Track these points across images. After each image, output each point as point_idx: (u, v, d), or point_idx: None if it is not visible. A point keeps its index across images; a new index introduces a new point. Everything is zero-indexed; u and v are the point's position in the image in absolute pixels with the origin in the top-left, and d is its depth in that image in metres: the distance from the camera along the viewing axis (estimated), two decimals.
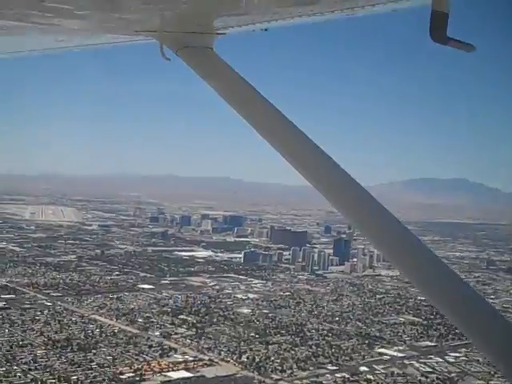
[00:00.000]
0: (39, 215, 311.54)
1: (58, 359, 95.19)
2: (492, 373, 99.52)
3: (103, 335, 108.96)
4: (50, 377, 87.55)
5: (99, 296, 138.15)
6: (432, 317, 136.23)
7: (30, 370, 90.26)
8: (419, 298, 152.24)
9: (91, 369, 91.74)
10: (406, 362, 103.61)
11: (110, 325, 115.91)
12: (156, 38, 6.63)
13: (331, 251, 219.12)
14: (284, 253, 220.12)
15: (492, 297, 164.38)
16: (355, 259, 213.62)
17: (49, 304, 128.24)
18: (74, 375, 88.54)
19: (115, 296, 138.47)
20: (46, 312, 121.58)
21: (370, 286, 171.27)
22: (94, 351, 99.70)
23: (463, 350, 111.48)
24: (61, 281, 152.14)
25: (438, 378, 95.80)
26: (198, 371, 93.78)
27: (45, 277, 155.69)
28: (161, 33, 6.48)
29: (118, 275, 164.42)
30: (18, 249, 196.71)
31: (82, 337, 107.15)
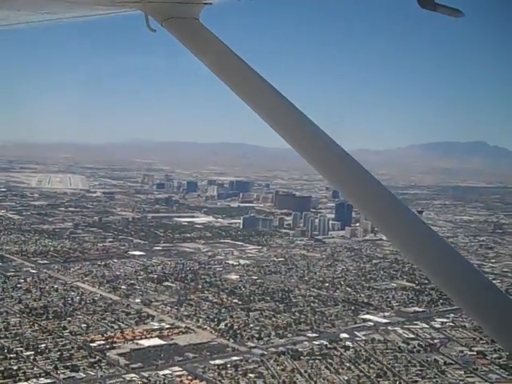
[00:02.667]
0: (46, 183, 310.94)
1: (30, 327, 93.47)
2: (477, 339, 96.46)
3: (82, 303, 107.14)
4: (19, 345, 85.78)
5: (87, 263, 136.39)
6: (426, 282, 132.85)
7: None
8: None
9: (62, 337, 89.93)
10: (390, 328, 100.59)
11: (91, 292, 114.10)
12: (140, 8, 6.57)
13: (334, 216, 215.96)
14: (286, 218, 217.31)
15: (493, 261, 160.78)
16: (358, 224, 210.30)
17: (34, 271, 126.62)
18: (43, 343, 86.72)
19: (103, 263, 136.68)
20: (29, 279, 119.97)
21: (368, 251, 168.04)
22: (69, 319, 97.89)
23: (451, 315, 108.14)
24: (51, 248, 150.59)
25: (419, 345, 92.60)
26: (172, 339, 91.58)
27: (36, 244, 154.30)
28: (145, 3, 6.48)
29: (111, 242, 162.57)
30: (16, 216, 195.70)
31: (61, 304, 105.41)
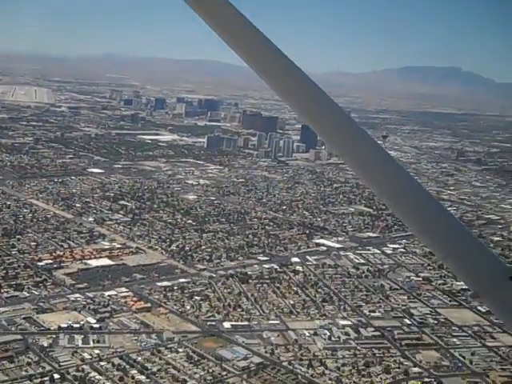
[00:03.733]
0: (10, 95, 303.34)
1: None
2: (425, 265, 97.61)
3: (34, 220, 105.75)
4: None
5: (44, 180, 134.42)
6: (383, 208, 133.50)
7: None
8: None
9: (9, 255, 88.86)
10: (342, 253, 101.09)
11: (44, 209, 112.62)
12: None
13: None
14: (252, 138, 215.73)
15: (452, 188, 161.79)
16: (323, 147, 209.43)
17: None
18: None
19: (60, 180, 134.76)
20: None
21: (330, 175, 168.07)
22: (18, 237, 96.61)
23: (404, 241, 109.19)
24: (8, 163, 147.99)
25: (368, 270, 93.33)
26: (122, 259, 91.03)
27: None
28: None
29: (71, 158, 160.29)
30: None
31: (11, 222, 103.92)
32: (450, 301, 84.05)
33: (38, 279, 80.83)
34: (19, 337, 65.47)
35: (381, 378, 62.07)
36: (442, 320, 77.42)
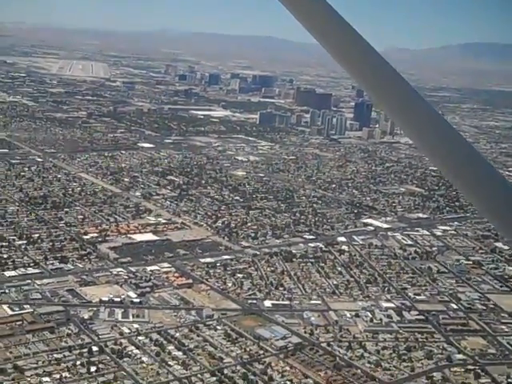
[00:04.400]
0: (67, 70, 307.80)
1: (27, 216, 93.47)
2: (476, 248, 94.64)
3: (82, 194, 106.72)
4: (13, 233, 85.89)
5: (94, 154, 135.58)
6: (436, 188, 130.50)
7: None
8: (431, 168, 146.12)
9: (57, 227, 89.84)
10: (390, 234, 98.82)
11: (93, 183, 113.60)
12: None
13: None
14: (305, 115, 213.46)
15: (510, 169, 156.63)
16: (377, 125, 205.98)
17: (39, 160, 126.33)
18: (37, 233, 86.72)
19: (110, 154, 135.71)
20: (33, 168, 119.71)
21: (382, 154, 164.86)
22: (66, 210, 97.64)
23: (455, 223, 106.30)
24: (61, 137, 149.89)
25: (415, 252, 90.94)
26: (166, 235, 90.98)
27: (46, 132, 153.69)
28: None
29: (122, 133, 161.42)
30: (31, 103, 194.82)
31: (61, 195, 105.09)
32: (501, 286, 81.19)
33: (83, 252, 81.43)
34: (61, 308, 66.08)
35: (422, 364, 60.25)
36: (491, 306, 74.79)
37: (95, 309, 66.67)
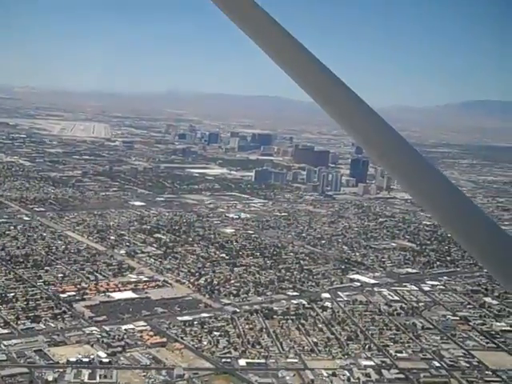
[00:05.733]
0: (68, 131, 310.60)
1: (5, 275, 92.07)
2: (465, 304, 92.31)
3: (66, 252, 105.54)
4: None
5: (84, 212, 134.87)
6: (428, 242, 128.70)
7: None
8: (424, 222, 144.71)
9: (34, 286, 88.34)
10: (376, 289, 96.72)
11: (78, 241, 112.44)
12: None
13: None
14: (302, 172, 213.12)
15: (506, 223, 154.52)
16: (374, 181, 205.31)
17: (27, 219, 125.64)
18: (13, 292, 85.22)
19: (99, 213, 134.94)
20: (19, 227, 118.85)
21: (377, 209, 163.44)
22: (47, 268, 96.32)
23: (445, 278, 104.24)
24: (52, 196, 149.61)
25: (401, 308, 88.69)
26: (146, 292, 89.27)
27: (38, 192, 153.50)
28: None
29: (114, 191, 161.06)
30: (27, 163, 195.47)
31: (43, 253, 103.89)
32: (487, 343, 78.61)
33: (58, 311, 79.69)
34: (25, 370, 64.12)
35: None
36: (475, 363, 72.22)
37: (61, 370, 64.64)
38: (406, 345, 76.49)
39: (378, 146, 5.35)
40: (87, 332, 74.40)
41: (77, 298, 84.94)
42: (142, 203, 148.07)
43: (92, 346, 70.82)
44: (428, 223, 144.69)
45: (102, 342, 71.90)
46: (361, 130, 5.37)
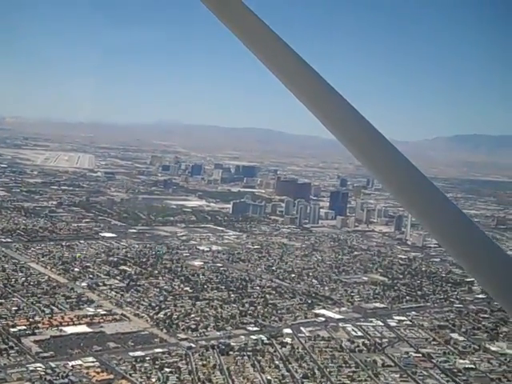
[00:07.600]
0: (52, 161, 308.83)
1: None
2: (429, 340, 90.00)
3: (25, 284, 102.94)
4: None
5: (51, 243, 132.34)
6: (400, 276, 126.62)
7: None
8: (400, 256, 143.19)
9: None
10: (341, 325, 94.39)
11: (40, 273, 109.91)
12: None
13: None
14: (282, 204, 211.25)
15: None
16: (354, 214, 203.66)
17: None
18: None
19: (67, 244, 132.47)
20: None
21: (353, 242, 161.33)
22: (1, 301, 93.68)
23: (413, 313, 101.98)
24: (21, 227, 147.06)
25: (363, 344, 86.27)
26: (101, 327, 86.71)
27: (8, 222, 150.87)
28: None
29: (87, 222, 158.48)
30: (3, 193, 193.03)
31: (1, 285, 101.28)
32: (447, 381, 76.28)
33: (3, 346, 77.00)
34: None
35: None
36: None
37: None
38: (364, 383, 74.02)
39: (368, 152, 5.20)
40: (31, 369, 71.69)
41: (27, 332, 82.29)
42: (113, 235, 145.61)
43: (33, 383, 68.07)
44: (403, 257, 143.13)
45: (45, 379, 69.21)
46: (353, 138, 5.26)
